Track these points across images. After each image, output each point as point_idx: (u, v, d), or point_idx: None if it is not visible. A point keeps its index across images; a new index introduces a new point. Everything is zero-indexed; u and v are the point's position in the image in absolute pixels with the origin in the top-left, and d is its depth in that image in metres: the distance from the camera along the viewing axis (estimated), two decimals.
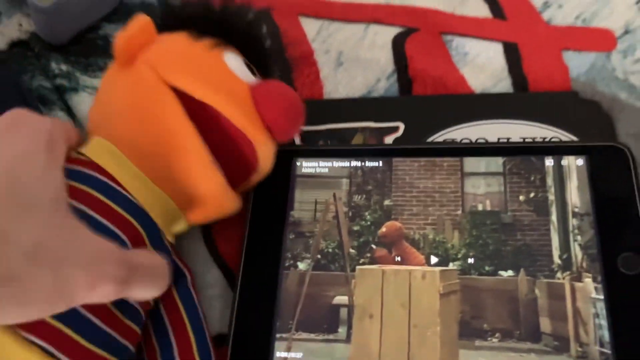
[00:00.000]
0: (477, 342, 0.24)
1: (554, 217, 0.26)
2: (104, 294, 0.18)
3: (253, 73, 0.27)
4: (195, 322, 0.24)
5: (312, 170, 0.29)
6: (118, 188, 0.22)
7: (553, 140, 0.30)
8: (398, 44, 0.34)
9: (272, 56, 0.29)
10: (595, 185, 0.26)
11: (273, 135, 0.25)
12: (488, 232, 0.26)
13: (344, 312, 0.26)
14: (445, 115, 0.31)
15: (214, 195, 0.24)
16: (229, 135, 0.24)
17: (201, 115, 0.24)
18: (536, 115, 0.31)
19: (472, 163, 0.28)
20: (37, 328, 0.18)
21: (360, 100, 0.33)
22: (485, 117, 0.31)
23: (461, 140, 0.31)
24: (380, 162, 0.29)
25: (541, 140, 0.30)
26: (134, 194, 0.23)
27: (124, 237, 0.21)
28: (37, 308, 0.17)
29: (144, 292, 0.20)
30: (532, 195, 0.27)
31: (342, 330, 0.25)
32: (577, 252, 0.25)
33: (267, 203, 0.29)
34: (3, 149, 0.19)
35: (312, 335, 0.25)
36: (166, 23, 0.27)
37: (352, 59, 0.34)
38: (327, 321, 0.26)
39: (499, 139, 0.30)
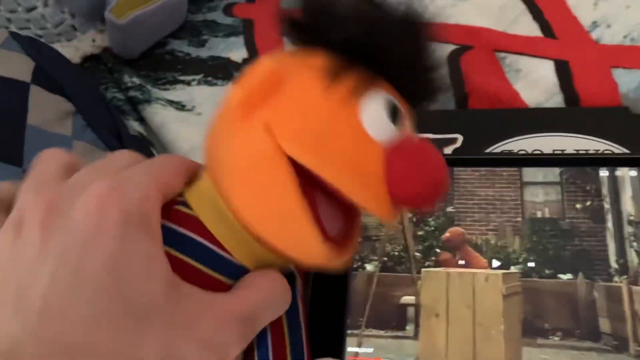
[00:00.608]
0: (539, 340, 0.26)
1: (609, 224, 0.28)
2: (232, 358, 0.19)
3: (399, 117, 0.22)
4: (294, 331, 0.24)
5: None
6: (219, 251, 0.21)
7: (606, 152, 0.32)
8: (454, 61, 0.37)
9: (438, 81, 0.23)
10: None
11: (403, 207, 0.22)
12: (547, 237, 0.29)
13: (411, 310, 0.28)
14: (501, 128, 0.34)
15: (319, 263, 0.22)
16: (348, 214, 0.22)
17: (315, 195, 0.21)
18: (588, 128, 0.33)
19: (530, 173, 0.30)
20: None
21: (419, 113, 0.36)
22: (539, 130, 0.34)
23: (518, 151, 0.33)
24: None
25: (594, 152, 0.32)
26: (237, 256, 0.22)
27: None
28: None
29: (269, 321, 0.21)
30: (588, 203, 0.29)
31: (409, 328, 0.28)
32: (633, 257, 0.27)
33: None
34: (97, 253, 0.17)
35: (382, 332, 0.28)
36: (304, 36, 0.22)
37: None
38: (395, 319, 0.28)
39: (553, 150, 0.33)
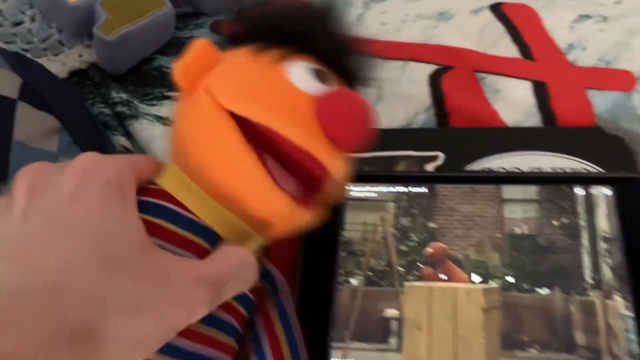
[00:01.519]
0: (518, 353, 0.28)
1: (584, 241, 0.30)
2: (198, 317, 0.20)
3: (324, 79, 0.26)
4: (289, 333, 0.25)
5: (361, 194, 0.33)
6: (185, 213, 0.23)
7: (582, 171, 0.34)
8: (435, 80, 0.38)
9: (352, 45, 0.28)
10: (623, 213, 0.30)
11: (341, 148, 0.25)
12: (526, 253, 0.30)
13: (394, 324, 0.29)
14: (481, 146, 0.35)
15: (282, 215, 0.24)
16: (294, 150, 0.24)
17: (264, 135, 0.24)
18: (564, 147, 0.35)
19: (509, 191, 0.31)
20: None
21: (401, 131, 0.37)
22: (517, 149, 0.35)
23: (497, 169, 0.35)
24: (425, 188, 0.32)
25: (571, 171, 0.34)
26: (203, 217, 0.23)
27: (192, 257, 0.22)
28: (143, 353, 0.18)
29: (235, 292, 0.22)
30: (564, 220, 0.30)
31: (392, 341, 0.29)
32: (606, 272, 0.29)
33: (319, 227, 0.32)
34: (79, 209, 0.20)
35: (366, 345, 0.29)
36: (233, 39, 0.27)
37: (392, 93, 0.38)
38: (379, 332, 0.29)
39: (531, 168, 0.34)
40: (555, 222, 0.30)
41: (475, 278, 0.30)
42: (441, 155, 0.35)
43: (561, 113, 0.36)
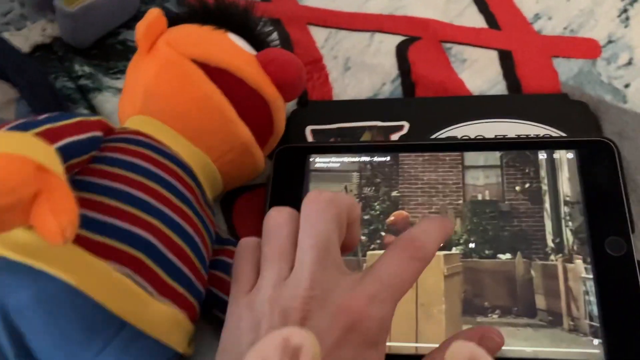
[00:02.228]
0: (479, 319, 0.27)
1: (547, 205, 0.29)
2: None
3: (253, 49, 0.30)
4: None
5: (325, 165, 0.32)
6: (165, 149, 0.26)
7: (545, 136, 0.33)
8: (401, 51, 0.37)
9: (268, 35, 0.33)
10: (585, 177, 0.29)
11: (282, 93, 0.29)
12: (487, 219, 0.29)
13: None
14: (446, 115, 0.34)
15: (246, 147, 0.28)
16: (246, 98, 0.28)
17: (219, 82, 0.27)
18: (529, 115, 0.34)
19: (471, 157, 0.30)
20: (115, 254, 0.21)
21: (368, 102, 0.36)
22: (483, 117, 0.34)
23: (461, 137, 0.33)
24: (388, 157, 0.31)
25: (535, 136, 0.33)
26: (179, 154, 0.26)
27: (182, 189, 0.25)
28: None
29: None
30: (527, 185, 0.29)
31: None
32: (568, 236, 0.28)
33: (284, 197, 0.31)
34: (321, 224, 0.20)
35: None
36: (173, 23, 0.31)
37: (359, 64, 0.37)
38: None
39: (496, 135, 0.33)
40: (517, 188, 0.29)
41: None
42: (406, 125, 0.34)
43: (526, 81, 0.35)
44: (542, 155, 0.30)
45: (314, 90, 0.36)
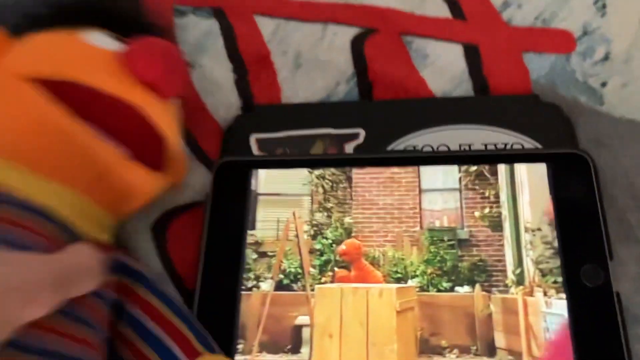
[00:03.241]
0: (436, 359, 0.25)
1: (507, 233, 0.26)
2: (42, 314, 0.18)
3: (123, 41, 0.25)
4: (179, 312, 0.23)
5: (273, 189, 0.28)
6: (18, 196, 0.21)
7: (515, 147, 0.29)
8: (357, 46, 0.32)
9: (143, 17, 0.27)
10: (557, 195, 0.26)
11: (157, 91, 0.24)
12: (445, 248, 0.26)
13: (306, 332, 0.26)
14: (405, 121, 0.30)
15: (115, 169, 0.23)
16: (106, 110, 0.23)
17: (68, 99, 0.22)
18: (497, 119, 0.30)
19: (429, 179, 0.27)
20: None
21: (320, 106, 0.32)
22: (446, 123, 0.30)
23: (422, 147, 0.30)
24: (341, 178, 0.28)
25: (502, 147, 0.29)
26: (33, 196, 0.21)
27: (39, 240, 0.20)
28: None
29: (81, 291, 0.20)
30: (486, 211, 0.26)
31: (304, 351, 0.25)
32: (529, 266, 0.25)
33: (224, 218, 0.28)
34: None
35: (276, 357, 0.25)
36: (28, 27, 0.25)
37: (311, 61, 0.32)
38: (290, 341, 0.26)
39: (460, 145, 0.30)
40: (477, 213, 0.26)
41: (393, 277, 0.26)
42: (362, 133, 0.31)
43: (494, 80, 0.31)
44: (502, 177, 0.27)
45: (260, 92, 0.32)
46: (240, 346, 0.25)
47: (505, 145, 0.30)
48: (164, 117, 0.24)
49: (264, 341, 0.26)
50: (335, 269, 0.26)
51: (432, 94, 0.31)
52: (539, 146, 0.29)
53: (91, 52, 0.23)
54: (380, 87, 0.31)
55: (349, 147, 0.30)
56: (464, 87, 0.31)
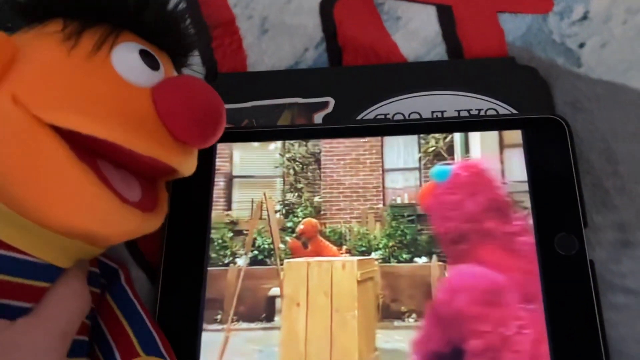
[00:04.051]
0: (396, 323, 0.40)
1: None
2: None
3: (154, 63, 0.31)
4: (131, 315, 0.35)
5: (247, 172, 0.43)
6: (8, 253, 0.28)
7: (489, 113, 0.42)
8: (326, 9, 0.44)
9: (184, 20, 0.34)
10: (532, 161, 0.38)
11: (187, 144, 0.31)
12: (406, 223, 0.41)
13: (279, 302, 0.41)
14: (376, 88, 0.43)
15: (129, 231, 0.31)
16: (136, 155, 0.29)
17: (96, 142, 0.28)
18: (472, 83, 0.42)
19: (391, 159, 0.41)
20: None
21: (288, 73, 0.45)
22: (419, 89, 0.43)
23: (394, 115, 0.43)
24: (311, 160, 0.42)
25: (476, 113, 0.43)
26: (34, 253, 0.29)
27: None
28: None
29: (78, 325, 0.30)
30: None
31: (278, 319, 0.41)
32: None
33: (188, 196, 0.41)
34: None
35: (252, 325, 0.41)
36: (31, 13, 0.31)
37: (278, 26, 0.44)
38: (264, 311, 0.41)
39: (432, 112, 0.43)
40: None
41: (357, 250, 0.41)
42: (332, 102, 0.44)
43: (468, 42, 0.43)
44: (457, 156, 0.40)
45: (225, 60, 0.44)
46: (218, 316, 0.41)
47: (479, 111, 0.43)
48: (188, 164, 0.32)
49: (241, 311, 0.41)
50: (288, 238, 0.41)
51: (404, 58, 0.44)
52: (514, 111, 0.42)
53: (122, 96, 0.29)
54: (350, 52, 0.44)
55: (318, 117, 0.44)
56: (437, 51, 0.43)
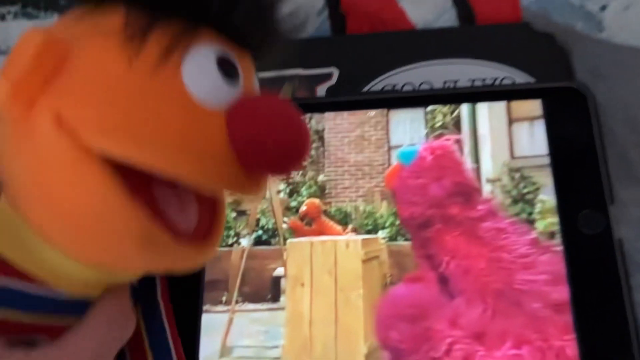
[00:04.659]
0: None
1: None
2: None
3: (233, 74, 0.26)
4: (159, 348, 0.33)
5: None
6: (36, 292, 0.26)
7: (505, 83, 0.42)
8: None
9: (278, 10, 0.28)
10: (552, 134, 0.40)
11: (242, 162, 0.26)
12: None
13: (284, 282, 0.42)
14: (383, 57, 0.44)
15: (181, 266, 0.28)
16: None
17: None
18: (485, 51, 0.43)
19: (397, 136, 0.41)
20: None
21: (287, 43, 0.44)
22: (429, 57, 0.44)
23: (402, 86, 0.43)
24: (314, 138, 0.42)
25: (491, 83, 0.42)
26: (62, 288, 0.27)
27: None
28: None
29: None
30: None
31: (283, 299, 0.42)
32: None
33: None
34: None
35: (258, 305, 0.42)
36: None
37: None
38: (270, 291, 0.42)
39: (444, 82, 0.43)
40: None
41: (363, 229, 0.41)
42: (335, 73, 0.44)
43: (481, 7, 0.43)
44: (465, 131, 0.40)
45: None
46: (223, 298, 0.42)
47: (495, 80, 0.42)
48: (260, 195, 0.28)
49: (247, 292, 0.42)
50: (286, 219, 0.42)
51: (413, 25, 0.43)
52: (532, 80, 0.42)
53: (191, 124, 0.24)
54: (354, 20, 0.44)
55: (321, 89, 0.44)
56: (447, 17, 0.43)
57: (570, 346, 0.35)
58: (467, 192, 0.40)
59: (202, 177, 0.24)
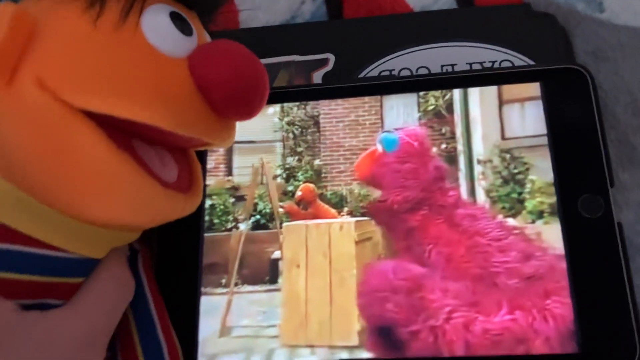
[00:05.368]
0: None
1: (462, 166, 0.41)
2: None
3: (187, 29, 0.31)
4: (142, 318, 0.36)
5: (247, 137, 0.45)
6: (38, 251, 0.28)
7: (504, 65, 0.43)
8: None
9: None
10: (552, 117, 0.44)
11: (230, 119, 0.32)
12: None
13: (282, 264, 0.44)
14: (380, 41, 0.48)
15: (171, 214, 0.32)
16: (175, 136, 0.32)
17: (133, 124, 0.29)
18: (484, 33, 0.46)
19: (391, 120, 0.43)
20: None
21: (283, 28, 0.47)
22: (426, 41, 0.46)
23: (400, 70, 0.45)
24: (310, 124, 0.44)
25: (490, 66, 0.43)
26: (64, 246, 0.30)
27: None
28: None
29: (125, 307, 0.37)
30: (443, 146, 0.42)
31: (281, 281, 0.44)
32: (481, 196, 0.41)
33: None
34: None
35: (257, 287, 0.44)
36: None
37: None
38: (268, 274, 0.45)
39: (442, 66, 0.44)
40: (434, 149, 0.42)
41: (358, 212, 0.43)
42: (332, 58, 0.46)
43: None
44: (457, 114, 0.41)
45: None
46: (223, 280, 0.45)
47: (493, 63, 0.43)
48: (230, 141, 0.34)
49: (246, 275, 0.46)
50: (282, 203, 0.44)
51: (410, 8, 0.45)
52: (531, 62, 0.43)
53: (158, 72, 0.28)
54: (351, 4, 0.46)
55: (317, 76, 0.45)
56: (444, 0, 0.44)
57: (557, 307, 0.36)
58: (442, 177, 0.43)
59: (176, 122, 0.28)
